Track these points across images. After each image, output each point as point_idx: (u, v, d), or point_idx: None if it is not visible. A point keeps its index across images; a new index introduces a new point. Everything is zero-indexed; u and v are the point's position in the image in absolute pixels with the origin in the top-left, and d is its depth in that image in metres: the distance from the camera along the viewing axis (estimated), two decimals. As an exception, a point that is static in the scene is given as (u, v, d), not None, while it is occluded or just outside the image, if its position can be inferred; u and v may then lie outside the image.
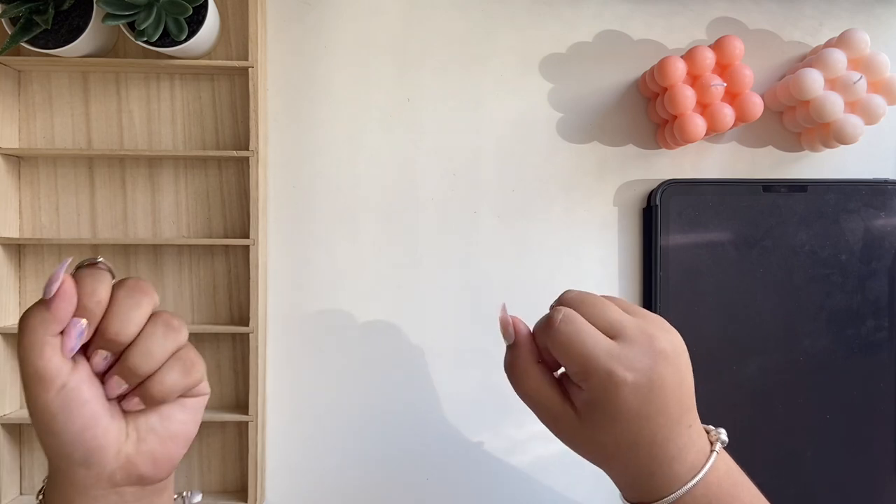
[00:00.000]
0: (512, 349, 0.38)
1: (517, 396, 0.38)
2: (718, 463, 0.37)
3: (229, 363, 0.56)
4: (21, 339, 0.32)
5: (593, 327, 0.35)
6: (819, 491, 0.56)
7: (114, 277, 0.34)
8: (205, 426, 0.56)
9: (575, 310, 0.36)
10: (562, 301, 0.38)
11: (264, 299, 0.55)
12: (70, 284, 0.32)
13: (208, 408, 0.56)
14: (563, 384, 0.37)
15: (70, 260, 0.33)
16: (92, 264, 0.34)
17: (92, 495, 0.33)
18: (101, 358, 0.33)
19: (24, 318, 0.32)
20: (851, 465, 0.56)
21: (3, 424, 0.53)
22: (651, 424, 0.35)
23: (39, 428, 0.32)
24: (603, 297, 0.38)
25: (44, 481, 0.36)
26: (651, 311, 0.56)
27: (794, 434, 0.56)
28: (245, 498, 0.54)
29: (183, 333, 0.34)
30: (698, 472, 0.36)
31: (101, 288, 0.32)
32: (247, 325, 0.54)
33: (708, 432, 0.39)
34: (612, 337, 0.35)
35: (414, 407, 0.57)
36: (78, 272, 0.33)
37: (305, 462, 0.57)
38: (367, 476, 0.57)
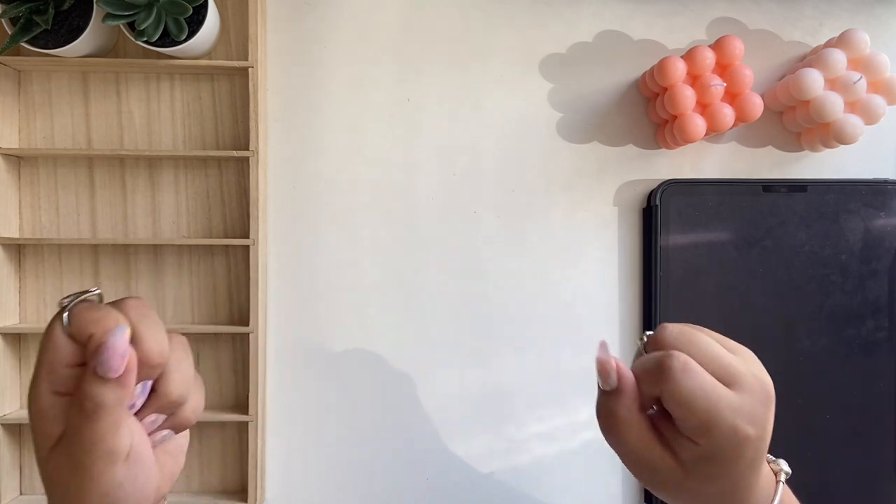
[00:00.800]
0: (612, 396, 0.33)
1: (609, 444, 0.35)
2: (784, 496, 0.36)
3: (229, 363, 0.56)
4: (94, 420, 0.30)
5: (712, 378, 0.32)
6: (819, 491, 0.56)
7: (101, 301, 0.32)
8: (205, 426, 0.56)
9: (685, 352, 0.32)
10: (664, 340, 0.33)
11: (264, 299, 0.55)
12: (135, 355, 0.30)
13: (208, 408, 0.56)
14: (659, 431, 0.34)
15: (127, 329, 0.30)
16: (84, 297, 0.32)
17: None
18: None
19: (97, 399, 0.30)
20: (851, 465, 0.56)
21: (3, 424, 0.53)
22: (755, 472, 0.34)
23: (97, 499, 0.30)
24: (698, 329, 0.34)
25: None
26: (651, 310, 0.56)
27: (794, 434, 0.56)
28: (245, 498, 0.54)
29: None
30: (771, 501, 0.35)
31: (164, 345, 0.31)
32: (247, 325, 0.54)
33: (768, 462, 0.38)
34: (727, 385, 0.32)
35: (414, 407, 0.57)
36: (135, 331, 0.30)
37: (305, 462, 0.57)
38: (366, 476, 0.57)
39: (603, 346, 0.34)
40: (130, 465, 0.31)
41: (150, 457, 0.32)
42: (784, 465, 0.37)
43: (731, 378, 0.33)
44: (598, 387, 0.34)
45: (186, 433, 0.35)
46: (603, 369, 0.33)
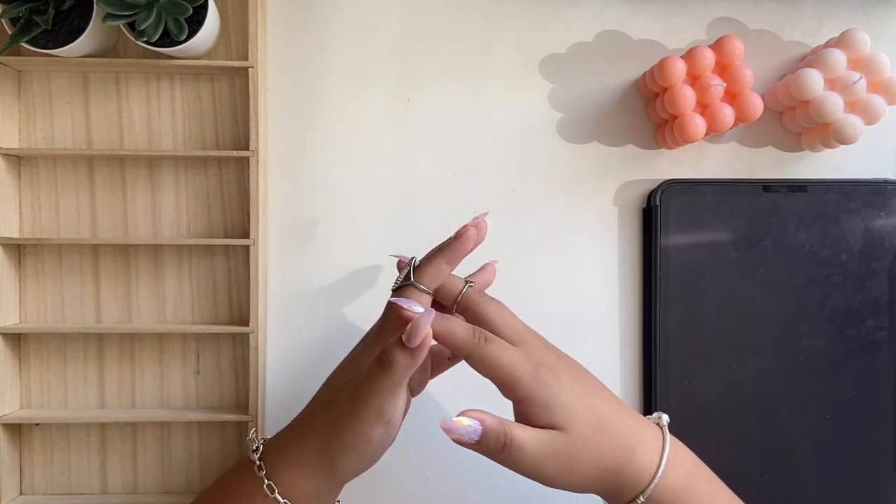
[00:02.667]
0: (488, 437, 0.37)
1: (522, 472, 0.39)
2: (674, 443, 0.40)
3: (229, 363, 0.56)
4: (384, 373, 0.37)
5: (501, 343, 0.39)
6: (819, 491, 0.56)
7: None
8: (205, 426, 0.56)
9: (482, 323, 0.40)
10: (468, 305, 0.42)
11: (264, 299, 0.55)
12: (430, 336, 0.37)
13: (208, 408, 0.56)
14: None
15: (433, 313, 0.37)
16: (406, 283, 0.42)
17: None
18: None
19: (392, 357, 0.36)
20: (851, 465, 0.56)
21: (3, 424, 0.53)
22: (602, 404, 0.39)
23: (346, 447, 0.38)
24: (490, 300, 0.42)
25: (257, 448, 0.41)
26: (651, 310, 0.56)
27: (795, 434, 0.56)
28: (245, 498, 0.54)
29: None
30: (661, 451, 0.39)
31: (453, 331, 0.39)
32: (247, 325, 0.54)
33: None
34: (515, 344, 0.40)
35: (413, 407, 0.57)
36: (435, 319, 0.38)
37: (305, 462, 0.57)
38: (366, 476, 0.57)
39: (445, 423, 0.38)
40: (385, 430, 0.38)
41: (397, 430, 0.40)
42: (664, 417, 0.42)
43: (514, 340, 0.40)
44: (474, 444, 0.38)
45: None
46: (461, 433, 0.38)
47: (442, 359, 0.45)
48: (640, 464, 0.38)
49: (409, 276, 0.42)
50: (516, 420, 0.39)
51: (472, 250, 0.43)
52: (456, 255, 0.42)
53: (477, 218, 0.44)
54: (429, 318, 0.36)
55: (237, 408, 0.56)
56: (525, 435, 0.37)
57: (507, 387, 0.39)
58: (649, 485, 0.37)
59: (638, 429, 0.39)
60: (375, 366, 0.37)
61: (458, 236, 0.42)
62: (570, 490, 0.39)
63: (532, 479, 0.39)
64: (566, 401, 0.38)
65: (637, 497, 0.38)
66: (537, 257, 0.57)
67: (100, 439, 0.56)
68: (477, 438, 0.37)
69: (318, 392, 0.43)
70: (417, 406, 0.57)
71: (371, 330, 0.44)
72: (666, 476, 0.38)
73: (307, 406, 0.43)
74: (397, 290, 0.42)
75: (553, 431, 0.38)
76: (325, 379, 0.44)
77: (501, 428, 0.37)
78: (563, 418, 0.37)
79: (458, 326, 0.39)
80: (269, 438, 0.43)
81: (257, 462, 0.40)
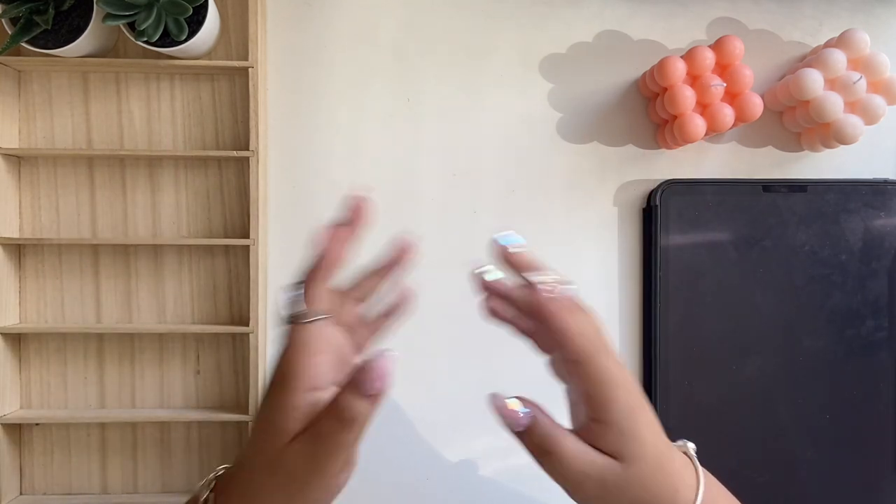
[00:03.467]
0: (535, 430, 0.35)
1: (555, 476, 0.36)
2: (707, 478, 0.37)
3: (229, 363, 0.56)
4: (348, 429, 0.34)
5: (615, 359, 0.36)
6: (819, 491, 0.56)
7: None
8: (205, 426, 0.56)
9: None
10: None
11: (264, 299, 0.55)
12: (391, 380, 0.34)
13: (208, 408, 0.56)
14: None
15: (395, 355, 0.34)
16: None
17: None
18: None
19: (355, 411, 0.33)
20: (851, 465, 0.56)
21: (3, 424, 0.53)
22: (662, 439, 0.36)
23: (317, 493, 0.35)
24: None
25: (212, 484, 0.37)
26: (651, 310, 0.56)
27: (795, 434, 0.56)
28: (245, 498, 0.54)
29: None
30: (696, 489, 0.36)
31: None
32: (247, 325, 0.54)
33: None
34: None
35: (414, 407, 0.57)
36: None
37: (305, 462, 0.57)
38: (366, 476, 0.57)
39: (494, 398, 0.36)
40: (347, 471, 0.36)
41: (355, 465, 0.36)
42: (690, 446, 0.39)
43: (619, 360, 0.36)
44: (517, 433, 0.36)
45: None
46: (510, 417, 0.35)
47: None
48: (679, 501, 0.36)
49: (296, 307, 0.37)
50: (575, 428, 0.37)
51: (339, 257, 0.39)
52: (322, 273, 0.38)
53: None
54: (389, 359, 0.34)
55: (237, 408, 0.56)
56: (576, 451, 0.35)
57: (597, 404, 0.35)
58: None
59: (683, 468, 0.37)
60: (334, 422, 0.33)
61: (351, 215, 0.39)
62: None
63: (567, 493, 0.36)
64: (644, 438, 0.35)
65: None
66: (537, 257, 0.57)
67: (100, 439, 0.56)
68: (521, 429, 0.35)
69: (252, 446, 0.36)
70: (417, 407, 0.57)
71: (281, 357, 0.37)
72: None
73: (247, 459, 0.36)
74: (292, 329, 0.37)
75: (611, 460, 0.35)
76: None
77: (552, 433, 0.35)
78: (632, 452, 0.35)
79: (586, 324, 0.36)
80: (216, 486, 0.37)
81: None
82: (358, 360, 0.36)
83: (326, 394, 0.35)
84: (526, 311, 0.38)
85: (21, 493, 0.56)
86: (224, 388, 0.56)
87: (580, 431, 0.36)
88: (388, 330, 0.42)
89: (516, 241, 0.38)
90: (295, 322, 0.36)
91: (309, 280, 0.38)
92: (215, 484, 0.37)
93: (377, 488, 0.57)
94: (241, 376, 0.56)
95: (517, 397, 0.36)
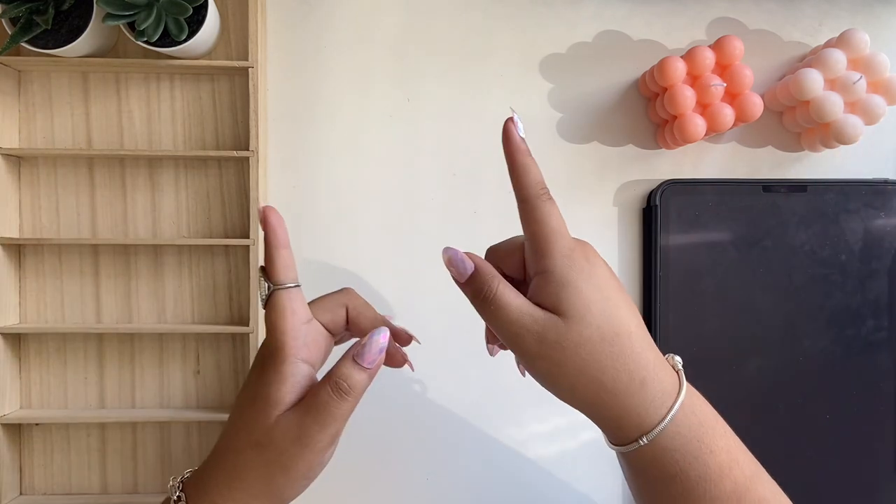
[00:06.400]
0: (476, 278, 0.36)
1: (496, 328, 0.36)
2: (691, 390, 0.36)
3: (229, 363, 0.56)
4: (343, 400, 0.35)
5: (558, 210, 0.38)
6: (819, 491, 0.56)
7: None
8: (205, 426, 0.56)
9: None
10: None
11: (264, 299, 0.55)
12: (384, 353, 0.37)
13: (208, 408, 0.56)
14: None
15: (387, 331, 0.37)
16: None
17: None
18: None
19: (352, 382, 0.35)
20: (851, 465, 0.56)
21: (3, 424, 0.53)
22: (628, 323, 0.35)
23: (297, 478, 0.35)
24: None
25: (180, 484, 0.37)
26: (651, 311, 0.56)
27: (794, 434, 0.56)
28: (245, 498, 0.54)
29: None
30: (676, 396, 0.34)
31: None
32: (247, 325, 0.54)
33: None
34: None
35: (414, 407, 0.57)
36: (521, 144, 0.38)
37: (305, 462, 0.57)
38: (366, 476, 0.57)
39: (446, 250, 0.37)
40: (331, 450, 0.36)
41: (335, 446, 0.37)
42: (678, 360, 0.37)
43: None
44: (461, 285, 0.37)
45: None
46: (454, 262, 0.36)
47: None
48: (649, 400, 0.33)
49: (269, 284, 0.38)
50: (526, 293, 0.36)
51: (275, 225, 0.39)
52: (277, 240, 0.38)
53: (264, 212, 0.39)
54: (384, 333, 0.36)
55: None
56: (514, 299, 0.35)
57: (537, 250, 0.35)
58: (657, 425, 0.33)
59: (656, 364, 0.34)
60: (331, 392, 0.34)
61: (264, 222, 0.38)
62: (554, 393, 0.36)
63: (515, 353, 0.36)
64: (586, 293, 0.34)
65: (640, 437, 0.34)
66: (537, 257, 0.57)
67: (100, 439, 0.56)
68: (467, 274, 0.36)
69: (234, 426, 0.36)
70: (417, 407, 0.57)
71: (267, 336, 0.38)
72: (677, 421, 0.33)
73: (225, 443, 0.37)
74: (270, 301, 0.37)
75: (549, 313, 0.34)
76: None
77: (493, 278, 0.35)
78: (570, 307, 0.33)
79: (535, 170, 0.37)
80: (188, 481, 0.37)
81: None
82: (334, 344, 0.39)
83: (315, 372, 0.37)
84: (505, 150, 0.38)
85: (21, 493, 0.56)
86: (224, 388, 0.56)
87: (527, 292, 0.36)
88: (363, 306, 0.42)
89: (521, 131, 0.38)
90: (269, 296, 0.37)
91: (266, 261, 0.38)
92: (183, 485, 0.37)
93: (377, 488, 0.57)
94: (241, 376, 0.56)
95: (466, 252, 0.37)
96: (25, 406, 0.56)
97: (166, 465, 0.56)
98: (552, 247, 0.35)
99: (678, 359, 0.37)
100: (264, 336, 0.55)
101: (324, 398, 0.34)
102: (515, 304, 0.35)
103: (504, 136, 0.37)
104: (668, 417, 0.33)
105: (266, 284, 0.37)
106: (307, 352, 0.37)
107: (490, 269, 0.36)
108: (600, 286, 0.35)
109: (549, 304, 0.34)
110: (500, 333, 0.35)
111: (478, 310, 0.36)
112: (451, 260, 0.37)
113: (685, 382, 0.35)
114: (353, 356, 0.35)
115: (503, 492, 0.57)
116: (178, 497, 0.36)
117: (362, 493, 0.57)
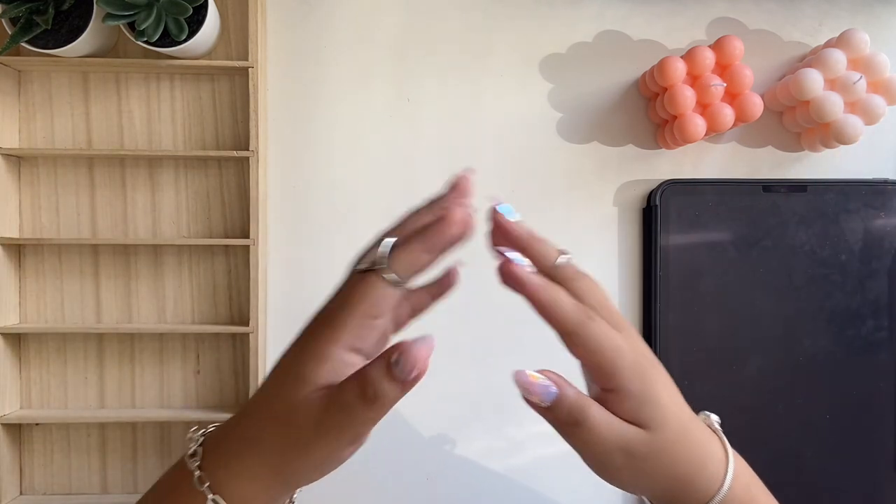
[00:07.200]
0: (562, 402, 0.33)
1: (583, 449, 0.34)
2: (735, 455, 0.37)
3: (229, 363, 0.56)
4: (369, 408, 0.32)
5: (606, 325, 0.34)
6: (819, 491, 0.56)
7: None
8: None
9: (583, 300, 0.34)
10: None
11: (264, 299, 0.55)
12: (426, 367, 0.32)
13: (208, 408, 0.56)
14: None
15: (432, 340, 0.32)
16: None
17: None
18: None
19: (380, 392, 0.31)
20: (851, 465, 0.56)
21: (3, 424, 0.53)
22: (687, 411, 0.36)
23: (312, 467, 0.33)
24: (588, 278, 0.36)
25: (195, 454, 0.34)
26: (651, 310, 0.56)
27: (794, 434, 0.56)
28: (245, 498, 0.54)
29: None
30: (726, 464, 0.36)
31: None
32: (247, 325, 0.54)
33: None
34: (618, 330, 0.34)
35: (414, 407, 0.57)
36: (539, 283, 0.34)
37: (305, 462, 0.57)
38: (366, 476, 0.57)
39: (519, 374, 0.34)
40: (354, 448, 0.34)
41: (363, 444, 0.34)
42: (714, 418, 0.38)
43: (618, 324, 0.35)
44: (543, 408, 0.34)
45: None
46: (536, 390, 0.34)
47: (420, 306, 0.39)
48: (709, 477, 0.35)
49: (380, 261, 0.33)
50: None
51: (461, 240, 0.35)
52: (438, 245, 0.34)
53: (458, 181, 0.36)
54: (429, 344, 0.31)
55: (237, 408, 0.56)
56: (604, 419, 0.33)
57: (603, 373, 0.34)
58: (713, 497, 0.35)
59: (709, 440, 0.36)
60: (356, 395, 0.31)
61: (441, 220, 0.34)
62: (630, 492, 0.37)
63: (595, 470, 0.35)
64: (661, 401, 0.34)
65: None
66: (537, 257, 0.57)
67: (100, 439, 0.56)
68: (549, 403, 0.33)
69: (262, 394, 0.35)
70: (417, 407, 0.57)
71: (332, 304, 0.35)
72: (730, 489, 0.35)
73: (250, 408, 0.35)
74: (359, 273, 0.34)
75: (636, 428, 0.34)
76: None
77: (579, 402, 0.33)
78: (653, 418, 0.34)
79: (564, 298, 0.34)
80: (206, 441, 0.35)
81: (198, 474, 0.33)
82: (394, 338, 0.34)
83: (362, 363, 0.33)
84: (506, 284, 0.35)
85: (21, 493, 0.56)
86: (224, 388, 0.56)
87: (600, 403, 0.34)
88: (429, 310, 0.38)
89: (513, 214, 0.36)
90: (370, 271, 0.33)
91: (411, 242, 0.34)
92: (204, 439, 0.35)
93: (378, 488, 0.57)
94: (241, 376, 0.56)
95: (540, 371, 0.34)
96: (25, 406, 0.56)
97: (166, 465, 0.56)
98: (618, 366, 0.33)
99: (715, 417, 0.38)
100: (262, 336, 0.55)
101: (348, 399, 0.31)
102: (604, 422, 0.34)
103: (507, 276, 0.35)
104: (724, 488, 0.35)
105: (385, 253, 0.33)
106: (363, 343, 0.33)
107: (575, 393, 0.34)
108: (667, 386, 0.35)
109: (630, 418, 0.34)
110: (588, 453, 0.35)
111: (564, 435, 0.35)
112: (529, 389, 0.34)
113: (730, 449, 0.37)
114: (390, 362, 0.31)
115: (503, 492, 0.57)
116: (195, 452, 0.34)
117: (362, 493, 0.57)
